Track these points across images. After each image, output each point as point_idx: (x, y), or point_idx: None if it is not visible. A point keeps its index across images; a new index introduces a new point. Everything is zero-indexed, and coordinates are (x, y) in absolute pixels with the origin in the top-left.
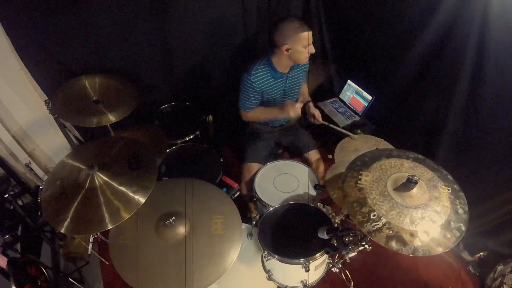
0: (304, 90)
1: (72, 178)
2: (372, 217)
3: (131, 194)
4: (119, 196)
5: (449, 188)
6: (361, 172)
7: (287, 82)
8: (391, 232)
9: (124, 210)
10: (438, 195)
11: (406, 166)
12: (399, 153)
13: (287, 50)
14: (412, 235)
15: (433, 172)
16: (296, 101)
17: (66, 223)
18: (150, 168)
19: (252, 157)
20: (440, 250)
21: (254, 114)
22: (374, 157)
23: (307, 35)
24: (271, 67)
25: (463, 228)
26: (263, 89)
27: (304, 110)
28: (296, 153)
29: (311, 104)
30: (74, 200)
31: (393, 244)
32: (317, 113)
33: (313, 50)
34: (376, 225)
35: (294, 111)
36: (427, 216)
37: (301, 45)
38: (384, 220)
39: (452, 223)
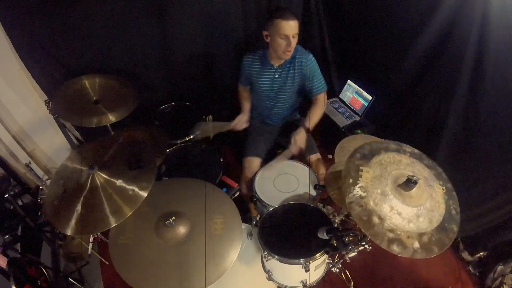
0: (313, 110)
1: (73, 179)
2: (373, 218)
3: (131, 193)
4: (119, 194)
5: (444, 188)
6: (361, 168)
7: (276, 75)
8: (392, 234)
9: (125, 208)
10: (434, 195)
11: (404, 162)
12: (396, 146)
13: (266, 36)
14: (411, 237)
15: (429, 170)
16: (295, 111)
17: (68, 224)
18: (149, 168)
19: (253, 151)
20: (435, 251)
21: (242, 94)
22: (374, 150)
23: (282, 23)
24: (263, 57)
25: (455, 229)
26: (251, 72)
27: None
28: (297, 155)
29: (302, 130)
30: (77, 200)
31: (395, 247)
32: (297, 145)
33: (290, 45)
34: (378, 227)
35: (235, 127)
36: (425, 217)
37: (276, 33)
38: (385, 222)
39: (446, 224)
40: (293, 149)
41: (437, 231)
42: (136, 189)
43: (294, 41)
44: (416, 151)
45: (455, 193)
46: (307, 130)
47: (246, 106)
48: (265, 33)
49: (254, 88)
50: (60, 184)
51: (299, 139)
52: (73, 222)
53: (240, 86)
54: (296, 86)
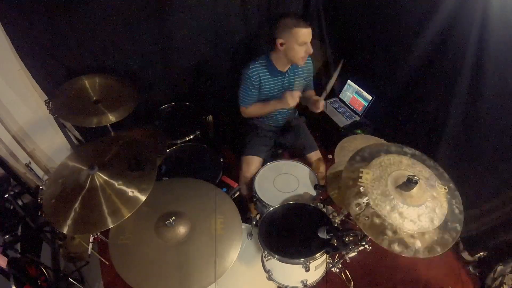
0: (311, 93)
1: (73, 179)
2: (375, 220)
3: (131, 195)
4: (119, 196)
5: (446, 187)
6: (361, 170)
7: (285, 81)
8: (393, 234)
9: (124, 210)
10: (436, 195)
11: (404, 163)
12: (397, 148)
13: (281, 44)
14: (413, 236)
15: (430, 170)
16: (294, 110)
17: (67, 223)
18: (149, 170)
19: (251, 150)
20: (438, 250)
21: (254, 109)
22: (373, 153)
23: (302, 32)
24: (269, 63)
25: (459, 228)
26: (260, 83)
27: (303, 101)
28: (297, 154)
29: (313, 94)
30: (75, 200)
31: (396, 247)
32: (321, 103)
33: (310, 51)
34: (379, 227)
35: (293, 99)
36: (426, 217)
37: (295, 41)
38: (386, 222)
39: (449, 223)
40: (320, 106)
41: (440, 231)
42: (136, 191)
43: (311, 47)
44: (417, 152)
45: (458, 193)
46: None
47: (266, 103)
48: (280, 41)
49: (260, 94)
50: (58, 183)
51: (322, 102)
52: (70, 221)
53: (246, 107)
54: (301, 89)
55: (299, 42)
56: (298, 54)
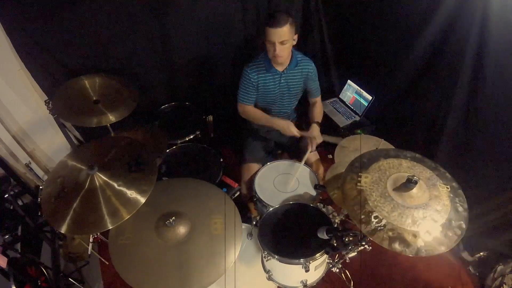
0: (317, 109)
1: (72, 178)
2: (373, 219)
3: (130, 196)
4: (118, 197)
5: (448, 187)
6: (360, 174)
7: (282, 80)
8: (393, 233)
9: (124, 211)
10: (438, 194)
11: (404, 166)
12: (397, 153)
13: (263, 43)
14: (414, 235)
15: (431, 171)
16: (293, 111)
17: (65, 223)
18: (149, 171)
19: (252, 157)
20: (442, 249)
21: (252, 111)
22: (372, 158)
23: (268, 31)
24: (267, 62)
25: (464, 226)
26: (259, 82)
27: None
28: (296, 154)
29: (316, 126)
30: (74, 200)
31: (396, 246)
32: (316, 141)
33: (276, 51)
34: (378, 227)
35: (290, 133)
36: (428, 216)
37: (266, 39)
38: (386, 222)
39: (453, 222)
40: (313, 146)
41: (443, 229)
42: (136, 193)
43: (281, 48)
44: (417, 155)
45: (461, 191)
46: (318, 124)
47: (268, 115)
48: (262, 39)
49: (259, 93)
50: (57, 182)
51: (317, 135)
52: (69, 221)
53: (245, 105)
54: (299, 91)
55: (267, 41)
56: (269, 52)
